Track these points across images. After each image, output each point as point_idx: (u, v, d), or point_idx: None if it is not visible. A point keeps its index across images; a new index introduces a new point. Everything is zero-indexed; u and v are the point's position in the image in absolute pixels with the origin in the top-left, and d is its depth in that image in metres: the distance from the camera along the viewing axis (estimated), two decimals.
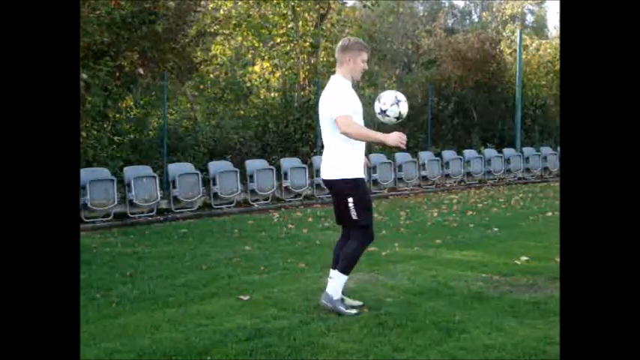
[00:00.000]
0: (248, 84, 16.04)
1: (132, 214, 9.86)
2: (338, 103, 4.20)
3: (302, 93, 15.53)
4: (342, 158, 4.29)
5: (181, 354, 3.61)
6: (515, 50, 19.54)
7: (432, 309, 4.44)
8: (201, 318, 4.33)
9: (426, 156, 14.85)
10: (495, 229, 8.17)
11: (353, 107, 4.26)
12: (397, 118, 4.29)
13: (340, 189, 4.33)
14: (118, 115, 11.89)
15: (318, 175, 11.55)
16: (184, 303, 4.75)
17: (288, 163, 12.18)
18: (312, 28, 16.06)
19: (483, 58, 18.92)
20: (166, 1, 11.60)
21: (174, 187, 10.49)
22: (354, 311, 4.33)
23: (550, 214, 9.60)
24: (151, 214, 10.05)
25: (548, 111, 19.90)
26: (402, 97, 4.39)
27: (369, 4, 17.92)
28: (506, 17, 29.46)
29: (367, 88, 17.71)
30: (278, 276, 5.65)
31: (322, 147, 4.54)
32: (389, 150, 15.28)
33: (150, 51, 11.62)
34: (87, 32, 9.67)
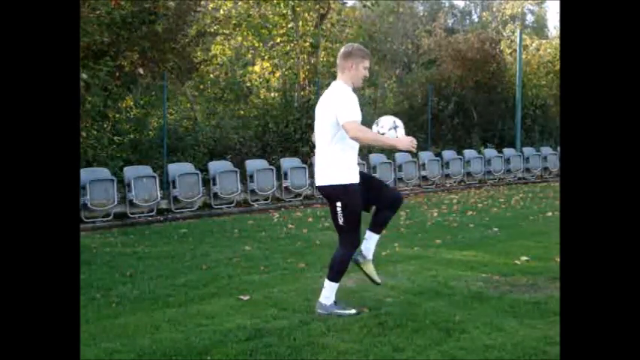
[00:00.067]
0: (248, 84, 16.05)
1: (132, 214, 9.86)
2: (345, 108, 4.19)
3: (302, 93, 15.53)
4: (336, 163, 4.28)
5: (181, 354, 3.61)
6: (515, 50, 19.55)
7: (432, 309, 4.44)
8: (201, 318, 4.33)
9: (426, 156, 14.85)
10: (495, 229, 8.17)
11: (359, 113, 4.28)
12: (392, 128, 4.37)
13: (329, 193, 4.34)
14: (118, 115, 11.90)
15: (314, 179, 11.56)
16: (184, 303, 4.75)
17: (288, 163, 12.18)
18: (312, 28, 16.06)
19: (483, 58, 18.93)
20: (166, 1, 11.60)
21: (174, 187, 10.50)
22: (353, 311, 4.32)
23: (550, 214, 9.60)
24: (150, 214, 10.05)
25: (548, 111, 19.90)
26: (399, 122, 4.45)
27: (369, 4, 17.92)
28: (507, 17, 29.46)
29: (367, 88, 17.73)
30: (278, 276, 5.65)
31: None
32: (389, 150, 15.30)
33: (150, 51, 11.62)
34: (87, 32, 9.67)
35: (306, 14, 16.02)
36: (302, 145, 13.75)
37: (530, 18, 35.86)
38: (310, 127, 13.77)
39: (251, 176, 11.48)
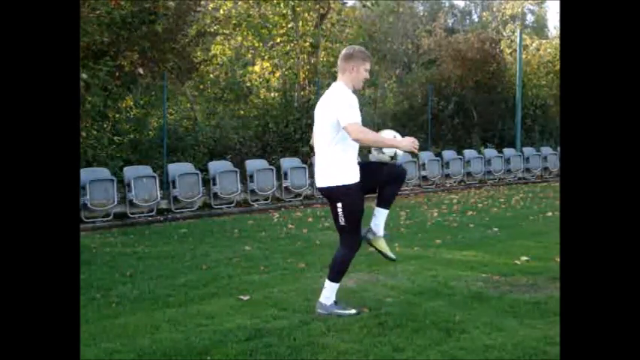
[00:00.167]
0: (248, 84, 16.04)
1: (132, 214, 9.86)
2: (346, 110, 4.19)
3: (302, 93, 15.53)
4: (335, 164, 4.28)
5: (181, 354, 3.61)
6: (515, 50, 19.54)
7: (432, 309, 4.44)
8: (201, 318, 4.33)
9: (426, 156, 14.85)
10: (495, 229, 8.17)
11: (359, 115, 4.28)
12: (392, 157, 4.40)
13: (330, 194, 4.34)
14: (118, 115, 11.90)
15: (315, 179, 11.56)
16: (184, 303, 4.75)
17: (288, 163, 12.19)
18: (312, 28, 16.05)
19: (483, 58, 18.92)
20: (166, 1, 11.59)
21: (174, 187, 10.50)
22: (353, 311, 4.32)
23: (550, 214, 9.60)
24: (151, 214, 10.05)
25: (548, 111, 19.90)
26: (398, 136, 4.47)
27: (369, 4, 17.91)
28: (507, 17, 29.45)
29: (367, 88, 17.71)
30: (278, 276, 5.65)
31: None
32: None
33: (150, 51, 11.61)
34: (87, 32, 9.67)
35: (306, 14, 16.01)
36: (302, 145, 13.74)
37: (530, 18, 35.88)
38: (310, 127, 13.78)
39: (251, 176, 11.48)
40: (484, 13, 32.92)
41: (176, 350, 3.66)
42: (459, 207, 10.90)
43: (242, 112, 15.22)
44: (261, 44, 16.35)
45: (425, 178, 14.56)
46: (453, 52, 19.13)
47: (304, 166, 12.31)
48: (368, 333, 3.92)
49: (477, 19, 36.82)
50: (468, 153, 15.90)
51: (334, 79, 4.53)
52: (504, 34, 23.43)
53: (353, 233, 4.34)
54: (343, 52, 4.46)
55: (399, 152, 4.43)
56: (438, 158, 15.01)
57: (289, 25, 16.02)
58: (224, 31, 15.94)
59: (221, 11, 15.95)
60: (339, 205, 4.27)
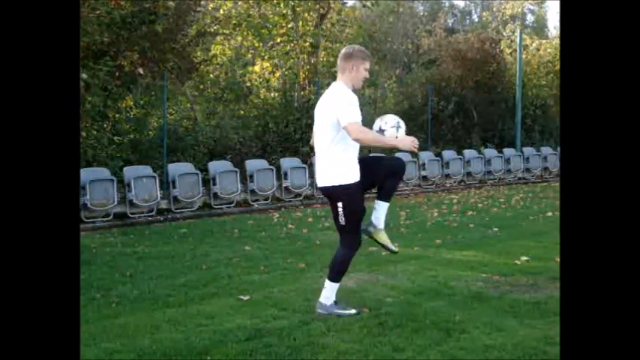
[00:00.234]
0: (248, 84, 16.04)
1: (132, 214, 9.86)
2: (346, 110, 4.19)
3: (302, 93, 15.53)
4: (336, 164, 4.28)
5: (181, 354, 3.61)
6: (515, 50, 19.54)
7: (432, 309, 4.44)
8: (201, 318, 4.33)
9: (426, 156, 14.86)
10: (495, 229, 8.17)
11: (359, 114, 4.28)
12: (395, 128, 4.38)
13: (331, 194, 4.35)
14: (118, 115, 11.90)
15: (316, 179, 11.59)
16: (184, 303, 4.75)
17: (288, 163, 12.19)
18: (312, 28, 16.05)
19: (483, 58, 18.92)
20: (166, 1, 11.60)
21: (174, 187, 10.50)
22: (353, 311, 4.32)
23: (550, 214, 9.60)
24: (151, 214, 10.05)
25: (548, 111, 19.90)
26: (402, 124, 4.46)
27: (369, 4, 17.91)
28: (507, 17, 29.45)
29: (367, 88, 17.71)
30: (278, 276, 5.65)
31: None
32: (389, 150, 15.27)
33: (150, 51, 11.62)
34: (87, 32, 9.67)
35: (306, 14, 16.01)
36: (302, 145, 13.74)
37: (530, 18, 35.88)
38: (310, 127, 13.78)
39: (251, 176, 11.48)
40: (484, 13, 32.93)
41: (176, 350, 3.66)
42: (459, 207, 10.90)
43: (242, 112, 15.22)
44: (261, 44, 16.35)
45: (425, 178, 14.56)
46: (453, 52, 19.13)
47: (304, 166, 12.31)
48: (368, 333, 3.92)
49: (477, 19, 36.82)
50: (468, 153, 15.90)
51: (334, 79, 4.53)
52: (504, 34, 23.43)
53: (353, 233, 4.35)
54: (343, 51, 4.46)
55: (402, 133, 4.42)
56: (438, 158, 15.02)
57: (289, 25, 16.02)
58: (224, 31, 15.93)
59: (221, 11, 15.95)
60: (340, 204, 4.28)
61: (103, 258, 6.66)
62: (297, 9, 15.69)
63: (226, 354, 3.60)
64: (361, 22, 18.92)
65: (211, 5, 16.02)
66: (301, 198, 12.09)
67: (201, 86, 15.44)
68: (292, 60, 16.14)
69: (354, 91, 4.38)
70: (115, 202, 9.55)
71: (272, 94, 16.24)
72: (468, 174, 15.54)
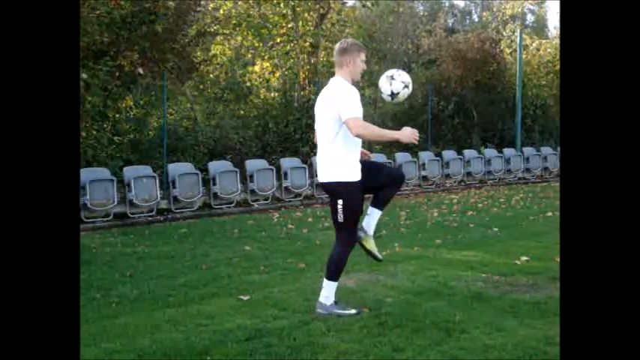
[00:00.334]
0: (248, 84, 16.04)
1: (132, 214, 9.86)
2: (347, 104, 4.20)
3: (302, 93, 15.53)
4: (338, 160, 4.29)
5: (181, 354, 3.61)
6: (515, 50, 19.53)
7: (432, 309, 4.44)
8: (201, 318, 4.33)
9: (426, 156, 14.86)
10: (495, 229, 8.17)
11: (361, 109, 4.29)
12: (405, 86, 4.40)
13: (333, 190, 4.35)
14: (117, 115, 11.90)
15: (317, 176, 11.61)
16: (184, 303, 4.75)
17: (288, 163, 12.18)
18: (312, 28, 16.05)
19: (483, 58, 18.92)
20: (166, 1, 11.59)
21: (174, 187, 10.50)
22: (353, 311, 4.32)
23: (550, 214, 9.60)
24: (150, 214, 10.05)
25: (548, 111, 19.89)
26: (394, 71, 4.48)
27: (369, 4, 17.93)
28: (507, 17, 29.45)
29: (367, 88, 17.71)
30: (278, 276, 5.65)
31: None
32: (389, 150, 15.29)
33: (150, 51, 11.61)
34: (87, 32, 9.67)
35: (306, 14, 16.01)
36: (302, 145, 13.74)
37: (530, 18, 35.88)
38: (310, 127, 13.79)
39: (251, 176, 11.48)
40: (484, 13, 32.92)
41: (176, 350, 3.66)
42: (459, 207, 10.90)
43: (242, 112, 15.22)
44: (261, 44, 16.35)
45: (425, 178, 14.56)
46: (453, 52, 19.13)
47: (304, 166, 12.31)
48: (368, 333, 3.92)
49: (477, 19, 36.83)
50: (468, 153, 15.90)
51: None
52: (504, 34, 23.43)
53: (350, 231, 4.35)
54: (337, 46, 4.47)
55: (407, 80, 4.42)
56: (438, 158, 15.01)
57: (289, 25, 16.02)
58: (224, 31, 15.94)
59: (221, 11, 15.96)
60: (340, 201, 4.28)
61: (103, 258, 6.66)
62: (297, 9, 15.69)
63: (226, 354, 3.60)
64: (361, 22, 18.92)
65: (211, 5, 16.03)
66: (301, 198, 12.08)
67: (201, 86, 15.44)
68: (292, 60, 16.14)
69: (354, 84, 4.40)
70: (115, 202, 9.55)
71: (272, 94, 16.24)
72: (468, 174, 15.54)
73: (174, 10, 12.02)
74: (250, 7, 16.01)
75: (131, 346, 3.74)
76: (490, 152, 16.42)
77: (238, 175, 11.33)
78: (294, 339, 3.83)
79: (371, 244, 4.52)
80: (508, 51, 20.73)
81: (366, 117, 4.57)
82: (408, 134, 4.29)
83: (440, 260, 6.26)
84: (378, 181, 4.43)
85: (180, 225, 9.34)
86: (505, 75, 19.47)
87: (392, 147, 15.75)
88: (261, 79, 16.54)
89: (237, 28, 15.80)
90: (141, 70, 11.40)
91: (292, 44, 16.04)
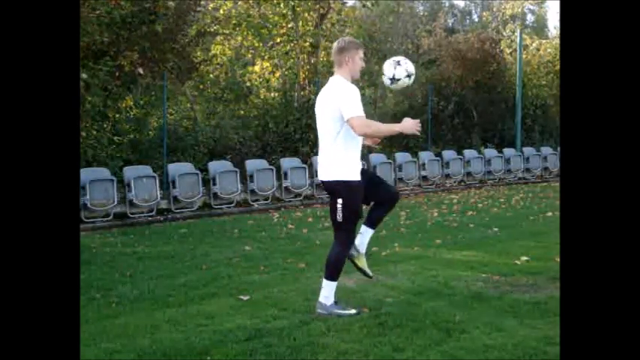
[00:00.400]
0: (248, 84, 16.04)
1: (132, 214, 9.86)
2: (349, 103, 4.20)
3: (302, 93, 15.53)
4: (339, 159, 4.29)
5: (181, 354, 3.61)
6: (515, 50, 19.53)
7: (432, 309, 4.44)
8: (201, 318, 4.33)
9: (426, 156, 14.85)
10: (495, 229, 8.17)
11: (361, 107, 4.30)
12: (408, 76, 4.43)
13: (333, 189, 4.35)
14: (117, 115, 11.90)
15: (317, 175, 11.61)
16: (184, 303, 4.75)
17: (288, 163, 12.18)
18: (312, 28, 16.05)
19: (483, 58, 18.91)
20: (166, 1, 11.59)
21: (174, 187, 10.49)
22: (353, 311, 4.32)
23: (550, 214, 9.60)
24: (150, 214, 10.05)
25: (548, 111, 19.89)
26: (400, 58, 4.51)
27: (369, 4, 17.91)
28: (507, 17, 29.45)
29: (367, 88, 17.70)
30: (278, 276, 5.65)
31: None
32: (389, 150, 15.29)
33: (150, 51, 11.61)
34: (87, 32, 9.67)
35: (306, 14, 16.01)
36: (302, 145, 13.74)
37: (530, 18, 35.87)
38: (310, 127, 13.80)
39: (251, 176, 11.48)
40: (484, 13, 32.91)
41: (176, 350, 3.66)
42: (459, 207, 10.90)
43: (242, 112, 15.22)
44: (261, 44, 16.34)
45: (425, 178, 14.56)
46: (453, 52, 19.12)
47: (304, 166, 12.31)
48: (368, 333, 3.92)
49: (477, 19, 36.83)
50: (468, 153, 15.90)
51: None
52: (504, 34, 23.42)
53: (348, 231, 4.35)
54: (335, 45, 4.48)
55: (411, 70, 4.43)
56: (438, 158, 15.01)
57: (289, 25, 16.01)
58: (224, 31, 15.93)
59: (221, 11, 15.95)
60: (340, 200, 4.28)
61: (103, 258, 6.66)
62: (297, 9, 15.68)
63: (226, 354, 3.60)
64: (361, 22, 18.91)
65: (211, 5, 16.02)
66: (301, 198, 12.08)
67: (201, 86, 15.43)
68: (292, 60, 16.14)
69: (354, 83, 4.40)
70: (115, 202, 9.55)
71: (272, 94, 16.24)
72: (468, 174, 15.53)
73: (174, 10, 12.01)
74: (250, 7, 16.00)
75: (131, 346, 3.75)
76: (490, 152, 16.42)
77: (238, 175, 11.32)
78: (294, 339, 3.83)
79: (363, 263, 4.59)
80: (508, 51, 20.72)
81: (367, 116, 4.56)
82: (410, 125, 4.32)
83: (440, 260, 6.26)
84: (377, 195, 4.48)
85: (180, 225, 9.34)
86: (505, 75, 19.47)
87: (392, 147, 15.76)
88: (261, 79, 16.54)
89: (237, 28, 15.79)
90: (141, 70, 11.40)
91: (292, 44, 16.03)
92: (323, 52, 16.22)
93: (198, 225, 9.31)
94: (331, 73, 4.57)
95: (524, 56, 19.25)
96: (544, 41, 22.40)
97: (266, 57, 16.52)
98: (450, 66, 18.95)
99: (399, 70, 4.42)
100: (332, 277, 4.37)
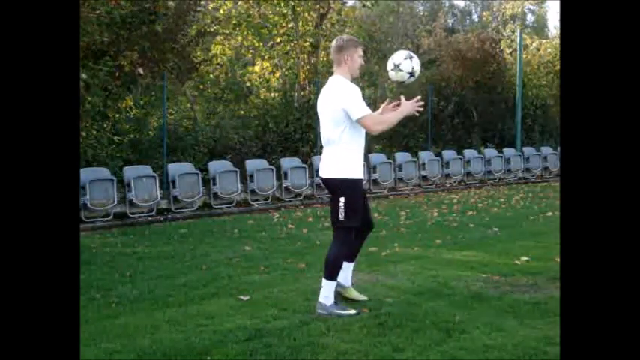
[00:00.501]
0: (248, 84, 16.04)
1: (132, 214, 9.86)
2: (354, 103, 4.22)
3: (302, 93, 15.53)
4: (343, 158, 4.30)
5: (181, 354, 3.61)
6: (515, 50, 19.53)
7: (432, 309, 4.44)
8: (201, 318, 4.33)
9: (426, 156, 14.85)
10: (495, 229, 8.17)
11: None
12: (410, 74, 4.43)
13: (335, 187, 4.35)
14: (117, 115, 11.90)
15: (318, 175, 11.59)
16: (184, 303, 4.75)
17: (288, 163, 12.18)
18: (312, 28, 16.05)
19: (483, 58, 18.91)
20: (166, 1, 11.59)
21: (174, 187, 10.49)
22: (353, 311, 4.32)
23: (550, 214, 9.60)
24: (150, 214, 10.05)
25: (548, 111, 19.89)
26: (414, 55, 4.52)
27: (369, 4, 17.90)
28: (507, 17, 29.45)
29: (367, 88, 17.70)
30: (278, 276, 5.65)
31: (322, 147, 4.55)
32: (389, 150, 15.28)
33: (150, 51, 11.61)
34: (87, 32, 9.67)
35: (306, 14, 16.01)
36: (302, 145, 13.74)
37: (530, 18, 35.87)
38: (310, 127, 13.80)
39: (251, 176, 11.48)
40: (484, 13, 32.90)
41: (176, 350, 3.66)
42: (459, 207, 10.90)
43: (242, 112, 15.21)
44: (261, 44, 16.34)
45: (425, 178, 14.55)
46: (453, 52, 19.12)
47: (304, 166, 12.31)
48: (368, 333, 3.92)
49: (477, 19, 36.83)
50: (468, 153, 15.89)
51: None
52: (504, 34, 23.44)
53: (349, 230, 4.35)
54: (334, 44, 4.48)
55: (417, 69, 4.45)
56: (438, 158, 15.01)
57: (289, 25, 16.02)
58: (224, 31, 15.93)
59: (221, 11, 15.95)
60: (342, 199, 4.28)
61: (103, 258, 6.66)
62: (297, 9, 15.69)
63: (226, 354, 3.60)
64: (361, 22, 18.91)
65: (211, 5, 16.02)
66: (301, 198, 12.08)
67: (201, 86, 15.43)
68: (292, 60, 16.14)
69: (354, 81, 4.41)
70: (115, 202, 9.55)
71: (272, 94, 16.24)
72: (468, 174, 15.53)
73: (174, 10, 12.01)
74: (250, 7, 16.01)
75: (131, 346, 3.75)
76: (490, 152, 16.42)
77: (238, 175, 11.32)
78: (294, 339, 3.83)
79: (352, 294, 4.69)
80: (508, 51, 20.72)
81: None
82: (410, 107, 4.38)
83: (440, 260, 6.26)
84: (364, 219, 4.51)
85: (180, 225, 9.34)
86: (505, 75, 19.47)
87: (392, 147, 15.75)
88: (261, 79, 16.54)
89: (237, 28, 15.79)
90: (141, 70, 11.40)
91: (292, 44, 16.04)
92: (323, 52, 16.22)
93: (198, 225, 9.31)
94: (331, 73, 4.58)
95: (524, 56, 19.25)
96: (544, 41, 22.41)
97: (266, 57, 16.52)
98: (450, 66, 18.95)
99: (406, 63, 4.44)
100: (331, 276, 4.37)
